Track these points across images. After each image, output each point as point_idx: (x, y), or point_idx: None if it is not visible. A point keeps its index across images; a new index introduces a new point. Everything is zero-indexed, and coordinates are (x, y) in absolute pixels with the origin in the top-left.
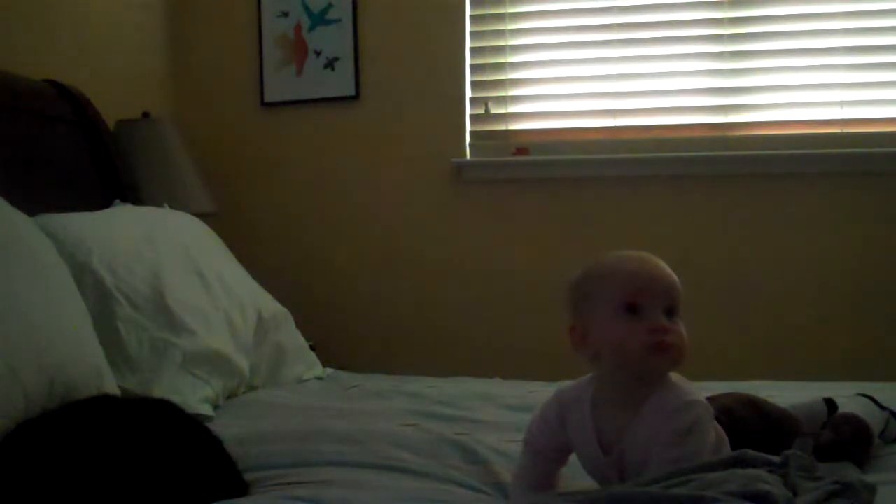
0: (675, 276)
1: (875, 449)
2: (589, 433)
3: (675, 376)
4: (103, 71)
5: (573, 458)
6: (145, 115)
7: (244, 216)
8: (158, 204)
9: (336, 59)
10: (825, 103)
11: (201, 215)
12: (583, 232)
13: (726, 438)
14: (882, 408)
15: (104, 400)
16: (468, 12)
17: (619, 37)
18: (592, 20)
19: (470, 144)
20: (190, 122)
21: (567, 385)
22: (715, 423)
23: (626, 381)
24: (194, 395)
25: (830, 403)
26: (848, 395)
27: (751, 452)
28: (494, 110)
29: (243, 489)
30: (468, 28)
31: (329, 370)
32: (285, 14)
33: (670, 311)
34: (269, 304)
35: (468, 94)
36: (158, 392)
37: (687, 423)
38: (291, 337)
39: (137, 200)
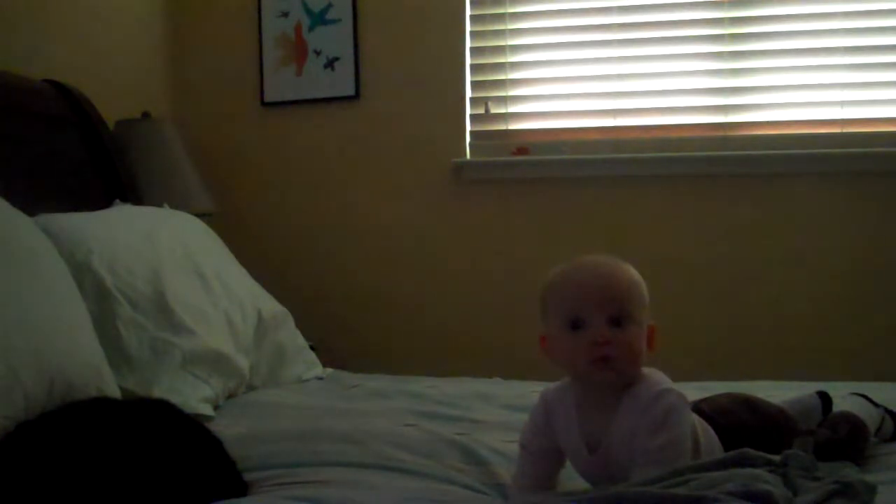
0: (625, 282)
1: (873, 448)
2: (574, 433)
3: (647, 369)
4: (103, 71)
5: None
6: (145, 115)
7: (244, 216)
8: (158, 204)
9: (336, 59)
10: (825, 103)
11: (201, 215)
12: (583, 232)
13: (711, 429)
14: (876, 405)
15: (103, 401)
16: (468, 12)
17: (619, 37)
18: (592, 20)
19: (470, 144)
20: (190, 122)
21: (552, 386)
22: (694, 414)
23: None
24: (194, 395)
25: (824, 397)
26: (843, 395)
27: (751, 452)
28: (494, 110)
29: (243, 489)
30: (468, 28)
31: (329, 370)
32: (285, 14)
33: (617, 320)
34: (269, 304)
35: (468, 94)
36: (158, 392)
37: (661, 413)
38: (291, 337)
39: (137, 200)
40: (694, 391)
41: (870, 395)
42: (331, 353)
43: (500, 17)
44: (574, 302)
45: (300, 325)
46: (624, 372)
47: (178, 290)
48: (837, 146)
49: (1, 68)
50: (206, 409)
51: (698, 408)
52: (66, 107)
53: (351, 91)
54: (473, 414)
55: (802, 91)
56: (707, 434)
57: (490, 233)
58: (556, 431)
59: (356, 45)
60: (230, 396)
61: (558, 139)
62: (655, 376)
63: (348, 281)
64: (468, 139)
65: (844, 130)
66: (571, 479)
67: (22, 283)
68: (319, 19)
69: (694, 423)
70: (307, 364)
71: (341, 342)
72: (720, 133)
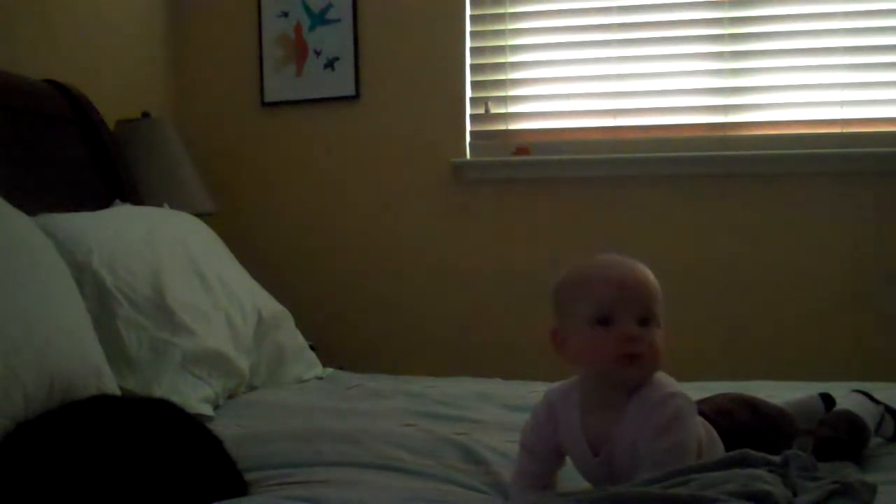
0: (650, 284)
1: (874, 448)
2: (578, 434)
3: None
4: (103, 71)
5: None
6: (145, 115)
7: (244, 216)
8: (158, 204)
9: (336, 59)
10: (825, 103)
11: (201, 215)
12: (583, 232)
13: (715, 433)
14: (877, 403)
15: (104, 400)
16: (468, 12)
17: (619, 37)
18: (592, 20)
19: (470, 144)
20: (190, 122)
21: (556, 386)
22: (700, 417)
23: (607, 383)
24: (194, 395)
25: (827, 399)
26: (843, 394)
27: (751, 452)
28: (494, 110)
29: (243, 489)
30: (468, 28)
31: (329, 370)
32: (285, 14)
33: (644, 320)
34: (269, 304)
35: (468, 94)
36: (158, 392)
37: (667, 416)
38: (291, 337)
39: (137, 200)
40: (694, 391)
41: (870, 393)
42: (331, 353)
43: (500, 17)
44: (606, 297)
45: (300, 325)
46: (647, 371)
47: (178, 290)
48: (837, 146)
49: (1, 68)
50: (206, 409)
51: (698, 409)
52: (66, 107)
53: (351, 91)
54: (473, 414)
55: (802, 91)
56: (710, 436)
57: (490, 233)
58: (558, 431)
59: (356, 45)
60: (230, 396)
61: (558, 139)
62: (663, 379)
63: (348, 281)
64: (468, 139)
65: (844, 130)
66: (572, 479)
67: (22, 283)
68: (319, 19)
69: (699, 426)
70: (307, 364)
71: (341, 342)
72: (720, 133)
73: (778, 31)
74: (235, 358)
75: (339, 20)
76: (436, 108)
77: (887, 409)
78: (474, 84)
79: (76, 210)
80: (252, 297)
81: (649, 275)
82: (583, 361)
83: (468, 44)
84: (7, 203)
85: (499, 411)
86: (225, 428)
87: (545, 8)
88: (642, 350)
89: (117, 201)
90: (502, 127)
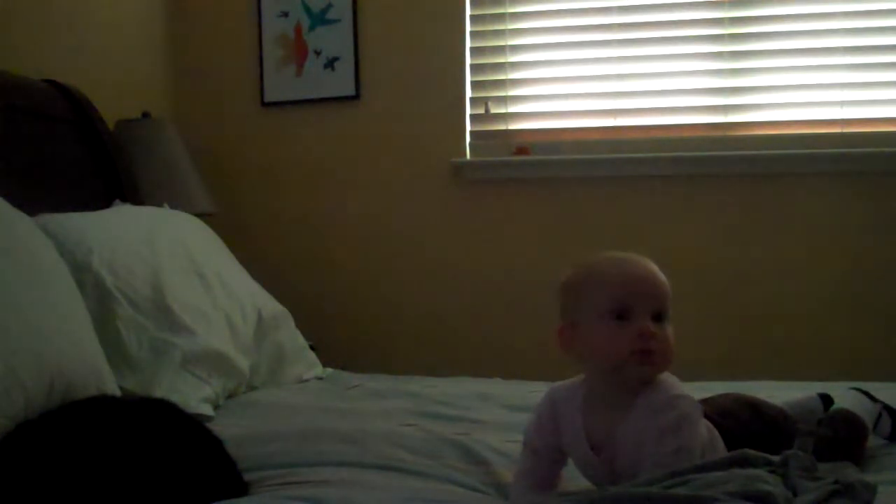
0: (664, 280)
1: (874, 448)
2: (579, 433)
3: (662, 374)
4: (103, 71)
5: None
6: (145, 115)
7: (244, 216)
8: (158, 204)
9: (336, 59)
10: (825, 103)
11: (201, 215)
12: (583, 232)
13: (717, 433)
14: (874, 400)
15: (104, 400)
16: (468, 12)
17: (620, 37)
18: (592, 20)
19: (470, 144)
20: (190, 122)
21: (559, 384)
22: (704, 419)
23: (615, 382)
24: (194, 395)
25: (826, 399)
26: (841, 392)
27: (751, 452)
28: (494, 110)
29: (243, 489)
30: (468, 28)
31: (329, 370)
32: (285, 14)
33: (658, 316)
34: (269, 304)
35: (468, 94)
36: (158, 392)
37: (674, 419)
38: (291, 337)
39: (137, 200)
40: (695, 391)
41: (868, 391)
42: (331, 353)
43: (500, 17)
44: (622, 292)
45: (300, 325)
46: (659, 368)
47: (178, 290)
48: (837, 146)
49: (1, 68)
50: (207, 409)
51: None
52: (66, 107)
53: (351, 91)
54: (473, 414)
55: (802, 91)
56: (711, 435)
57: (490, 232)
58: (561, 430)
59: (356, 45)
60: (230, 396)
61: (558, 139)
62: (669, 380)
63: (348, 281)
64: (468, 139)
65: (844, 130)
66: (574, 479)
67: (22, 283)
68: (319, 19)
69: (703, 425)
70: (307, 364)
71: (341, 342)
72: (720, 133)
73: (778, 31)
74: (235, 358)
75: (339, 20)
76: (436, 108)
77: (885, 407)
78: (474, 84)
79: (76, 210)
80: (252, 297)
81: (660, 272)
82: (595, 356)
83: (468, 44)
84: (7, 203)
85: (499, 411)
86: (225, 428)
87: (545, 8)
88: (657, 346)
89: (117, 201)
90: (502, 127)
